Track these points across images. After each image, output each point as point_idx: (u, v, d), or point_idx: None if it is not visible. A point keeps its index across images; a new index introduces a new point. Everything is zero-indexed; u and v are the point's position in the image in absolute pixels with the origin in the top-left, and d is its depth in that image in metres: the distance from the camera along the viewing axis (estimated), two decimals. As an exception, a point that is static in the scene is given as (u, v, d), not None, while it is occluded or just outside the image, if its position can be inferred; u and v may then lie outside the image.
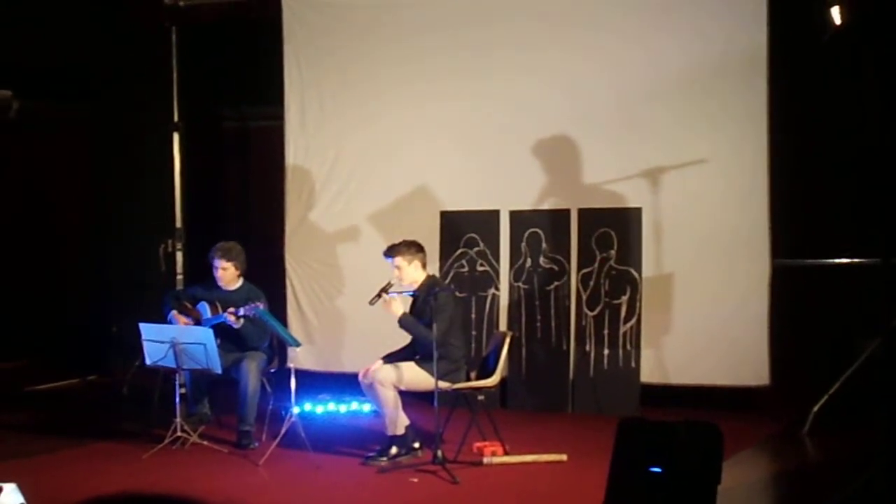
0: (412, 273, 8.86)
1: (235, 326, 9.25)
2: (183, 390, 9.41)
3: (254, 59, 12.85)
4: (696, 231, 10.44)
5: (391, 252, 8.90)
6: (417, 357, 8.75)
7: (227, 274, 9.58)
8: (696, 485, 5.53)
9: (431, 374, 8.38)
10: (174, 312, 9.64)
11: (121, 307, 12.98)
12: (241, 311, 9.17)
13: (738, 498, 7.26)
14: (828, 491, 7.56)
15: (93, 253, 13.68)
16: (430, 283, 8.91)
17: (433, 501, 7.74)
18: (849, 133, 10.62)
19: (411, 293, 8.96)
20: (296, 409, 8.92)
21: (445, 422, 8.78)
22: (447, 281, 10.71)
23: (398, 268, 8.84)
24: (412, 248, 8.91)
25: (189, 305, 9.69)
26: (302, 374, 9.66)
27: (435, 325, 8.42)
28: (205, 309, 9.58)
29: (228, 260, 9.55)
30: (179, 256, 12.28)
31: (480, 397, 8.83)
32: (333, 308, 11.74)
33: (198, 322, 9.50)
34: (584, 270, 10.78)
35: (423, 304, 8.79)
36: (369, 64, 11.61)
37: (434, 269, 10.63)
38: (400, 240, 9.01)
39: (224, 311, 9.33)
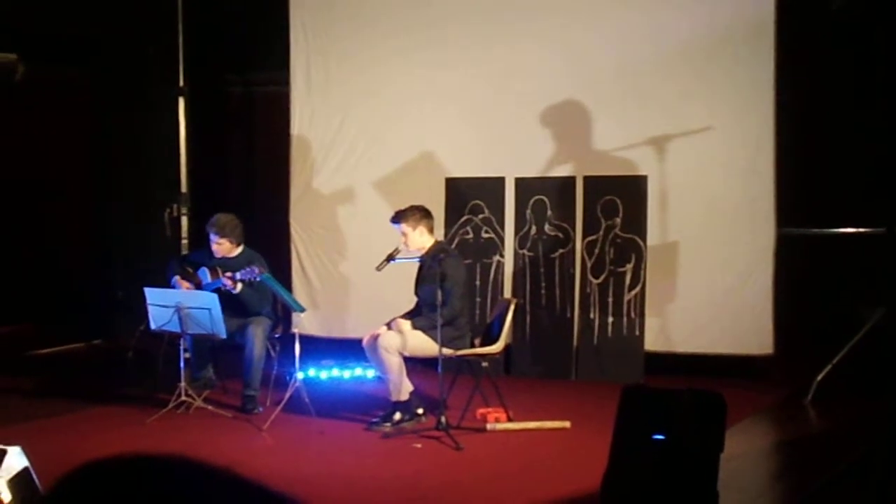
0: (418, 239, 8.84)
1: (234, 291, 9.25)
2: (187, 355, 9.43)
3: (260, 24, 12.82)
4: (701, 199, 10.43)
5: (398, 218, 8.88)
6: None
7: (223, 248, 9.60)
8: (699, 452, 5.54)
9: (436, 340, 8.39)
10: (177, 278, 9.65)
11: (126, 271, 13.01)
12: (238, 276, 9.16)
13: (740, 466, 7.28)
14: (830, 459, 7.58)
15: (98, 217, 13.69)
16: (437, 249, 8.89)
17: (436, 467, 7.76)
18: (856, 102, 10.59)
19: (418, 259, 8.96)
20: (300, 375, 8.95)
21: (449, 388, 8.80)
22: (452, 247, 10.70)
23: (404, 234, 8.82)
24: (418, 213, 8.89)
25: (191, 271, 9.70)
26: (306, 340, 9.68)
27: (444, 295, 8.42)
28: (205, 274, 9.59)
29: (223, 236, 9.55)
30: (184, 221, 12.26)
31: (484, 364, 8.84)
32: (338, 274, 11.75)
33: (199, 287, 9.51)
34: (589, 238, 10.78)
35: (429, 269, 8.79)
36: (375, 31, 11.58)
37: (439, 235, 10.61)
38: (407, 205, 9.00)
39: (223, 275, 9.34)
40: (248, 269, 9.14)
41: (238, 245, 9.66)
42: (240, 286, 9.24)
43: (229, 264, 9.51)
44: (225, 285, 9.23)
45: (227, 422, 8.99)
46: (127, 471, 1.84)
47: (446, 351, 8.50)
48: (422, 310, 8.87)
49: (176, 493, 1.82)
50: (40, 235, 13.18)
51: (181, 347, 9.25)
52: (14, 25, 11.99)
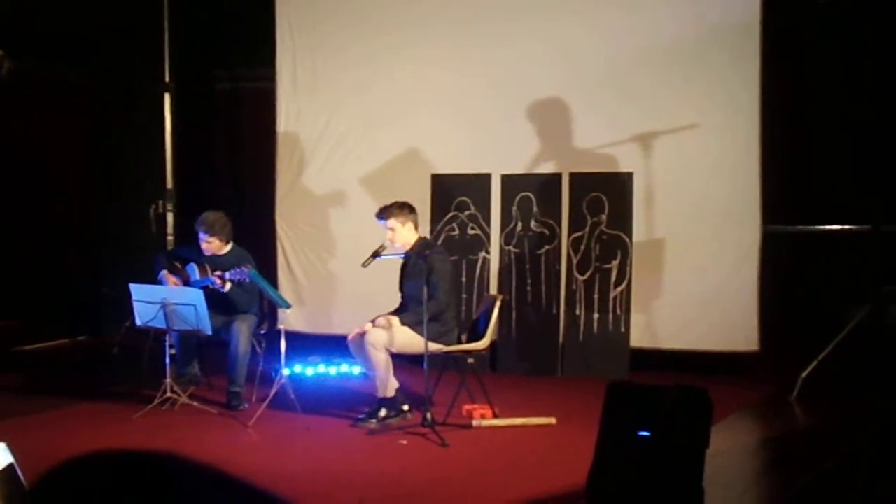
0: (405, 234, 8.83)
1: (223, 290, 9.24)
2: (173, 351, 9.41)
3: (247, 20, 12.80)
4: (687, 196, 10.44)
5: (384, 214, 8.86)
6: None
7: (212, 246, 9.58)
8: (685, 449, 5.54)
9: (423, 336, 8.37)
10: (165, 272, 9.63)
11: (111, 268, 12.97)
12: (228, 276, 9.15)
13: (726, 462, 7.29)
14: (816, 456, 7.59)
15: (84, 214, 13.65)
16: (422, 244, 8.89)
17: (422, 464, 7.75)
18: (842, 100, 10.61)
19: (403, 255, 8.95)
20: (285, 371, 8.94)
21: (435, 385, 8.80)
22: (438, 243, 10.69)
23: (392, 229, 8.79)
24: (405, 209, 8.87)
25: (179, 266, 9.69)
26: (292, 336, 9.66)
27: (430, 289, 8.42)
28: (193, 270, 9.57)
29: (212, 234, 9.53)
30: (170, 218, 12.25)
31: (470, 360, 8.83)
32: (324, 270, 11.75)
33: (187, 283, 9.50)
34: (575, 235, 10.78)
35: (414, 265, 8.79)
36: (361, 28, 11.58)
37: (425, 232, 10.61)
38: (392, 201, 8.99)
39: (212, 273, 9.32)
40: (238, 270, 9.11)
41: (227, 243, 9.64)
42: (229, 285, 9.23)
43: (218, 262, 9.49)
44: (214, 284, 9.22)
45: (212, 418, 8.97)
46: (111, 467, 1.84)
47: (434, 346, 8.50)
48: (408, 306, 8.86)
49: (160, 489, 1.81)
50: (25, 232, 13.14)
51: (167, 344, 9.22)
52: (3, 23, 11.96)
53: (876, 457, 6.89)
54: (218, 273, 9.23)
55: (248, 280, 9.13)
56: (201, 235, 9.55)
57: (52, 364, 11.74)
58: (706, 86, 10.40)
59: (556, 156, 10.92)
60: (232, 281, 9.18)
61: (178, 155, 12.37)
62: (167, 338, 9.21)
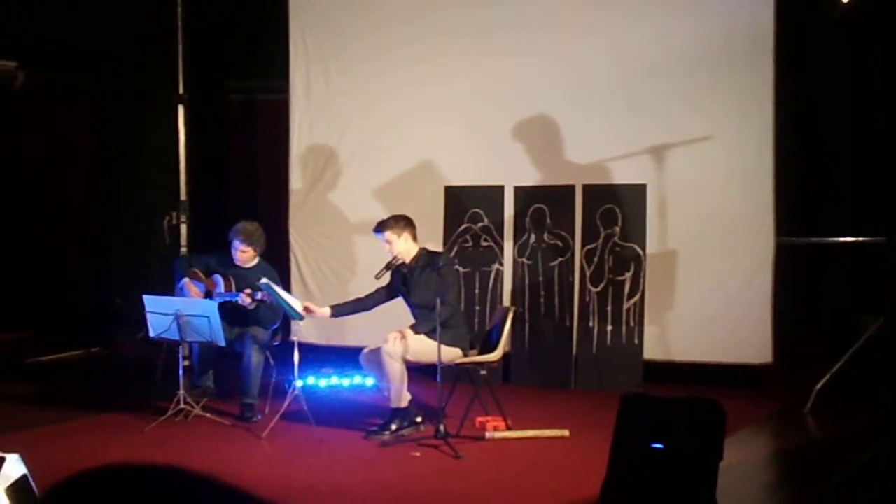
0: (402, 246, 8.87)
1: (249, 307, 9.22)
2: (186, 363, 9.41)
3: (260, 32, 12.82)
4: (700, 208, 10.43)
5: (380, 228, 8.94)
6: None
7: (246, 256, 9.53)
8: (698, 461, 5.54)
9: (442, 343, 8.36)
10: (186, 280, 9.59)
11: (125, 279, 13.00)
12: (259, 296, 9.09)
13: (739, 475, 7.28)
14: (829, 469, 7.57)
15: (97, 225, 13.68)
16: (427, 256, 8.93)
17: (435, 475, 7.74)
18: (854, 111, 10.60)
19: (405, 266, 8.94)
20: (299, 383, 8.94)
21: (448, 397, 8.80)
22: (451, 255, 10.69)
23: (388, 242, 8.86)
24: (401, 222, 8.94)
25: (202, 274, 9.64)
26: (305, 348, 9.66)
27: (441, 299, 8.42)
28: (219, 283, 9.54)
29: (249, 244, 9.48)
30: (184, 229, 12.26)
31: (483, 372, 8.83)
32: (337, 282, 11.73)
33: (209, 293, 9.47)
34: (588, 247, 10.77)
35: (421, 274, 8.80)
36: (375, 40, 11.59)
37: (438, 244, 10.63)
38: (390, 215, 9.07)
39: (238, 288, 9.29)
40: (266, 293, 9.06)
41: (257, 255, 9.62)
42: (255, 304, 9.18)
43: (244, 275, 9.45)
44: (242, 301, 9.16)
45: (225, 430, 8.98)
46: (121, 479, 1.84)
47: (454, 351, 8.55)
48: (417, 316, 8.86)
49: (170, 502, 1.82)
50: (40, 242, 13.18)
51: (180, 355, 9.23)
52: (15, 33, 12.00)
53: (890, 468, 6.87)
54: (248, 291, 9.16)
55: (275, 304, 9.09)
56: (236, 244, 9.49)
57: (66, 375, 11.75)
58: (719, 97, 10.39)
59: (569, 167, 10.91)
60: (262, 301, 9.14)
61: (191, 166, 12.38)
62: (181, 349, 9.22)
